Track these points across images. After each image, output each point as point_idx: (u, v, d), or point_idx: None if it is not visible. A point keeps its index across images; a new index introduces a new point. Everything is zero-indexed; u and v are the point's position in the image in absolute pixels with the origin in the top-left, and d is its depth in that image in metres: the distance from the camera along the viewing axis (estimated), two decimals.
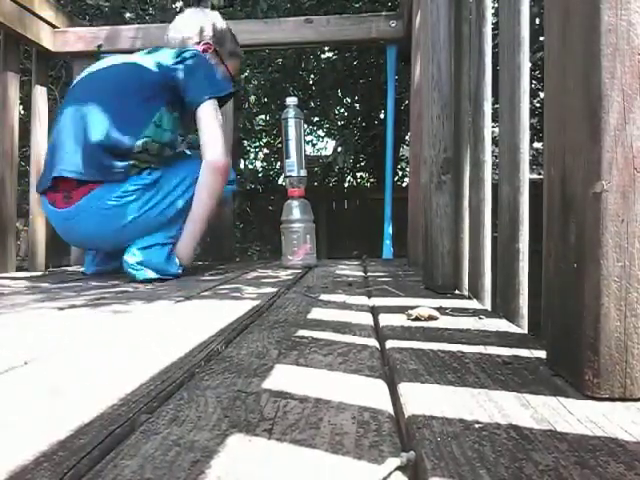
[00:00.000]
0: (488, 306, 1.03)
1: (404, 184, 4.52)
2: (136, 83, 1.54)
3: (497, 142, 1.00)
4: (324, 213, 4.49)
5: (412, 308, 0.83)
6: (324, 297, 1.09)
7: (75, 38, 2.32)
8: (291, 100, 1.86)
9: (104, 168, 1.45)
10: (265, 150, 5.20)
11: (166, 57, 1.59)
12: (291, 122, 1.83)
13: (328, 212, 4.53)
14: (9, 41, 2.08)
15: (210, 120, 1.53)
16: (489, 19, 1.10)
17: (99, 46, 2.31)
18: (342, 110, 4.79)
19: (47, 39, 2.25)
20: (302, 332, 0.75)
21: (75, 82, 1.67)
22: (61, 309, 0.98)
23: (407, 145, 3.86)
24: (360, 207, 4.61)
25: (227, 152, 1.55)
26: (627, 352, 0.46)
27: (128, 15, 3.86)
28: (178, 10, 3.90)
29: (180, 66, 1.55)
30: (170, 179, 1.53)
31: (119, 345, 0.70)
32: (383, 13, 2.51)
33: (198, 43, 1.74)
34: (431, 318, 0.80)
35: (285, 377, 0.54)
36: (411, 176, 2.01)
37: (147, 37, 2.25)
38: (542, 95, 3.31)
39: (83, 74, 1.65)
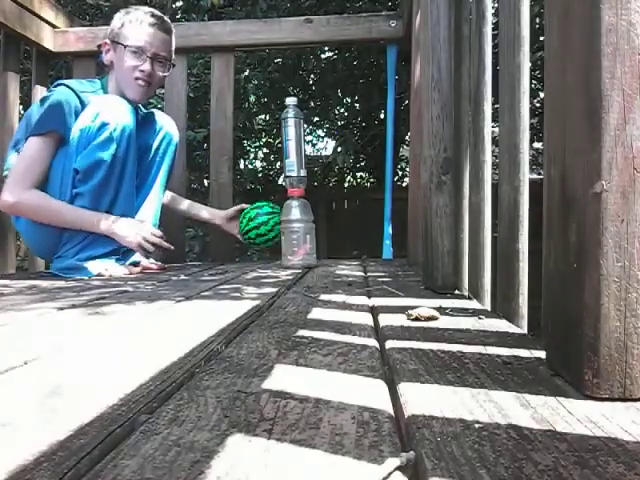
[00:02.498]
0: (488, 306, 1.03)
1: (404, 184, 4.52)
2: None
3: (497, 142, 1.00)
4: (324, 213, 4.48)
5: (412, 308, 0.83)
6: (324, 297, 1.09)
7: (75, 38, 2.32)
8: (291, 100, 1.85)
9: None
10: (265, 150, 5.20)
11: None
12: (291, 122, 1.83)
13: (328, 212, 4.53)
14: (9, 41, 2.08)
15: (17, 161, 1.68)
16: (489, 19, 1.10)
17: (99, 46, 2.31)
18: (342, 110, 4.79)
19: (47, 39, 2.25)
20: (302, 332, 0.75)
21: None
22: (61, 309, 0.98)
23: (407, 145, 3.86)
24: (360, 207, 4.61)
25: (18, 193, 1.63)
26: (627, 352, 0.46)
27: None
28: (177, 9, 3.90)
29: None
30: None
31: (119, 345, 0.70)
32: (383, 13, 2.51)
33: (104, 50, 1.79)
34: (431, 318, 0.80)
35: (285, 377, 0.54)
36: (411, 176, 2.01)
37: None
38: (542, 95, 3.32)
39: None
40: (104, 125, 1.60)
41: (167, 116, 1.95)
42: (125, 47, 1.72)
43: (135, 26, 1.74)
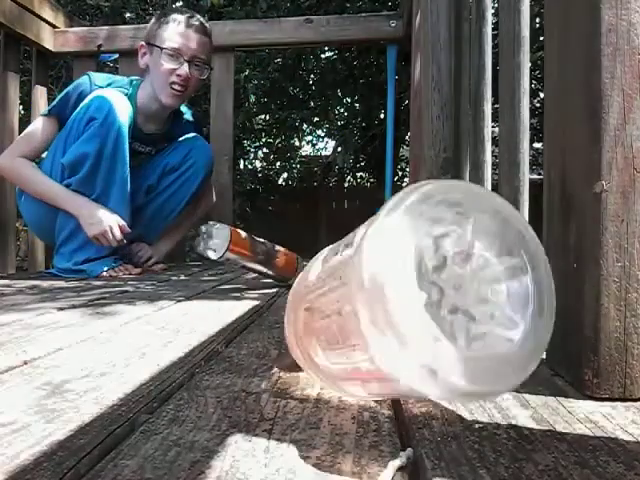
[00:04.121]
0: None
1: (404, 184, 4.52)
2: None
3: (497, 142, 1.00)
4: (324, 213, 4.49)
5: None
6: None
7: (75, 38, 2.32)
8: None
9: None
10: (265, 150, 5.20)
11: None
12: None
13: (328, 212, 4.53)
14: (9, 41, 2.08)
15: (21, 134, 1.78)
16: (489, 19, 1.10)
17: (99, 46, 2.31)
18: (342, 110, 4.78)
19: (47, 39, 2.25)
20: None
21: None
22: (61, 309, 0.98)
23: (407, 145, 3.86)
24: (360, 207, 4.61)
25: (8, 159, 1.71)
26: (627, 352, 0.46)
27: (128, 15, 3.87)
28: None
29: None
30: None
31: (119, 345, 0.70)
32: (383, 13, 2.51)
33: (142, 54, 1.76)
34: None
35: (285, 377, 0.54)
36: (411, 176, 2.01)
37: None
38: (542, 95, 3.31)
39: None
40: (91, 120, 1.57)
41: (206, 146, 1.89)
42: (162, 50, 1.67)
43: (172, 27, 1.68)
